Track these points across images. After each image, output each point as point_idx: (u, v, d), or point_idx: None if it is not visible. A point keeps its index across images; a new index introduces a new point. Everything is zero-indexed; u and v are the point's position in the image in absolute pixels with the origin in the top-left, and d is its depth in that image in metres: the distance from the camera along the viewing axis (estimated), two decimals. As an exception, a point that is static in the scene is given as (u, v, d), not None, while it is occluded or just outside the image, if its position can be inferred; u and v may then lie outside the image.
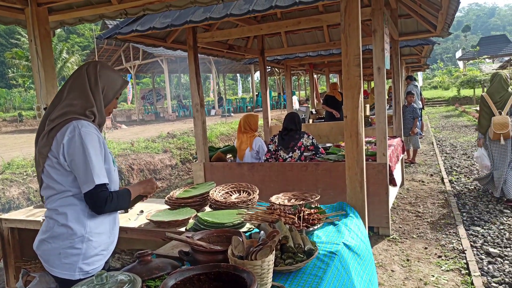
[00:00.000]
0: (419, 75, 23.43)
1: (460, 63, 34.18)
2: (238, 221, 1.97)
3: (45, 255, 1.72)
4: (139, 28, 4.19)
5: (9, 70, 28.50)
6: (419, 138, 11.53)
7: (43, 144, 1.70)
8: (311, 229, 1.82)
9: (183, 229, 2.20)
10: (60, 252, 1.67)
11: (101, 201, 1.66)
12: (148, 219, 2.36)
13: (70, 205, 1.69)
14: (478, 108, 5.58)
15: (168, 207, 2.53)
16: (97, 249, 1.73)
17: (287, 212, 1.91)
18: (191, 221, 2.22)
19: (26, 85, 28.49)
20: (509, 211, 4.82)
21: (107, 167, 1.74)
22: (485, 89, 7.38)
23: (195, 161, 5.06)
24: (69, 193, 1.69)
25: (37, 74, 2.82)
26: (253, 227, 1.99)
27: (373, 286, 1.90)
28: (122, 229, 2.44)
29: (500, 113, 4.94)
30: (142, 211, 2.69)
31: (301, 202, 2.18)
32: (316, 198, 2.25)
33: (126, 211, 2.70)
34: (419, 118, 11.03)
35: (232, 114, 21.04)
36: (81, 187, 1.66)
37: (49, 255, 1.70)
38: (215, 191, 2.47)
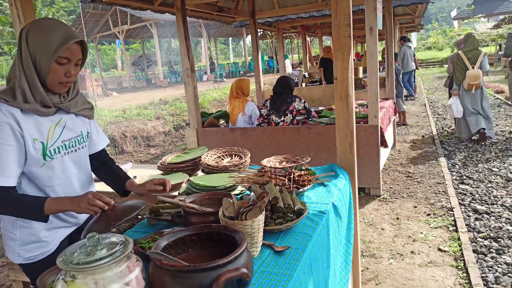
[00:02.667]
0: (413, 36, 23.10)
1: (455, 23, 33.65)
2: (230, 184, 1.99)
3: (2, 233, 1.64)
4: (124, -10, 4.05)
5: (-7, 38, 27.63)
6: (412, 99, 11.56)
7: None
8: (301, 190, 1.85)
9: (176, 193, 2.23)
10: (4, 233, 1.59)
11: None
12: (141, 185, 2.38)
13: None
14: (447, 65, 6.71)
15: (161, 172, 2.55)
16: (36, 236, 1.57)
17: (278, 174, 1.94)
18: (184, 185, 2.25)
19: (12, 53, 27.71)
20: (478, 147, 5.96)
21: (28, 162, 1.48)
22: (454, 49, 8.44)
23: (188, 127, 5.05)
24: None
25: (21, 40, 2.74)
26: (244, 189, 2.02)
27: (342, 247, 1.98)
28: (115, 195, 2.47)
29: (473, 68, 5.89)
30: (135, 177, 2.71)
31: (292, 165, 2.21)
32: (307, 160, 2.27)
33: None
34: (410, 80, 10.97)
35: (224, 79, 20.80)
36: None
37: (1, 234, 1.62)
38: (207, 155, 2.48)
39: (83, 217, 1.74)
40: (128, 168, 2.89)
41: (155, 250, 1.14)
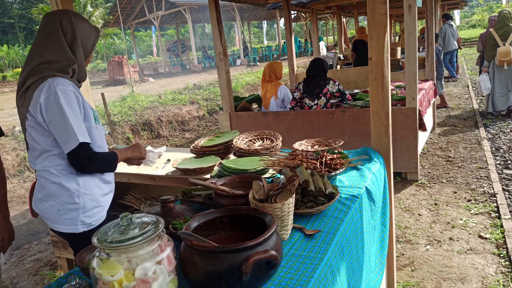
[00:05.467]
0: (456, 14, 21.88)
1: (503, -2, 31.48)
2: (261, 167, 1.99)
3: (45, 214, 1.73)
4: (157, -25, 4.06)
5: (37, 27, 28.75)
6: (453, 81, 11.03)
7: (21, 104, 1.66)
8: (333, 173, 1.82)
9: (208, 176, 2.26)
10: (59, 209, 1.69)
11: (84, 160, 1.63)
12: (174, 167, 2.43)
13: (57, 164, 1.68)
14: (477, 44, 7.11)
15: (194, 155, 2.58)
16: (95, 201, 1.74)
17: (309, 157, 1.91)
18: (216, 168, 2.27)
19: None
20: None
21: (88, 125, 1.69)
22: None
23: (221, 111, 5.08)
24: (54, 151, 1.67)
25: (59, 28, 2.82)
26: (275, 173, 2.01)
27: (376, 231, 1.93)
28: (150, 177, 2.54)
29: (504, 44, 6.06)
30: (169, 160, 2.77)
31: (324, 148, 2.17)
32: (340, 144, 2.22)
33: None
34: (451, 60, 10.43)
35: (257, 63, 20.69)
36: (63, 148, 1.62)
37: (49, 213, 1.71)
38: (238, 139, 2.49)
39: (113, 186, 1.92)
40: (162, 152, 2.95)
41: (186, 230, 1.16)
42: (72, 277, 1.16)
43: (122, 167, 2.67)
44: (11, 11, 44.28)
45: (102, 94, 4.69)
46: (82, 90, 2.88)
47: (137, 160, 1.98)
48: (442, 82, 7.83)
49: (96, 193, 1.75)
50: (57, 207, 1.69)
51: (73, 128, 1.59)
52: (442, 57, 7.91)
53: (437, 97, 6.52)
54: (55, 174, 1.68)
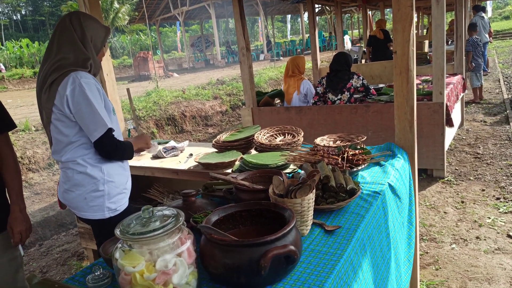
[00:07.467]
0: (488, 5, 21.05)
1: (539, -12, 30.05)
2: (282, 162, 1.98)
3: (72, 203, 1.82)
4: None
5: (66, 24, 29.42)
6: (484, 74, 10.66)
7: (46, 99, 1.74)
8: (355, 169, 1.79)
9: (229, 170, 2.28)
10: (86, 197, 1.78)
11: (112, 147, 1.76)
12: (196, 162, 2.46)
13: (83, 154, 1.77)
14: None
15: (216, 150, 2.60)
16: (119, 188, 1.85)
17: (331, 153, 1.89)
18: (237, 163, 2.28)
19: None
20: None
21: (108, 115, 1.78)
22: None
23: (244, 106, 5.09)
24: (78, 142, 1.76)
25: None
26: (296, 168, 2.01)
27: (404, 228, 1.89)
28: (173, 171, 2.58)
29: None
30: (191, 154, 2.80)
31: (346, 143, 2.14)
32: (362, 139, 2.19)
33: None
34: (481, 53, 10.08)
35: (281, 58, 20.58)
36: (90, 136, 1.72)
37: (76, 203, 1.80)
38: (260, 134, 2.49)
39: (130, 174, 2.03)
40: (185, 146, 2.99)
41: (206, 224, 1.17)
42: (96, 267, 1.20)
43: (147, 161, 2.72)
44: (42, 8, 45.69)
45: (128, 90, 4.79)
46: (109, 85, 2.95)
47: (144, 149, 2.18)
48: (481, 74, 7.50)
49: (118, 180, 1.85)
50: (83, 196, 1.78)
51: (101, 116, 1.70)
52: (479, 48, 7.58)
53: (466, 91, 6.31)
54: (81, 164, 1.77)
